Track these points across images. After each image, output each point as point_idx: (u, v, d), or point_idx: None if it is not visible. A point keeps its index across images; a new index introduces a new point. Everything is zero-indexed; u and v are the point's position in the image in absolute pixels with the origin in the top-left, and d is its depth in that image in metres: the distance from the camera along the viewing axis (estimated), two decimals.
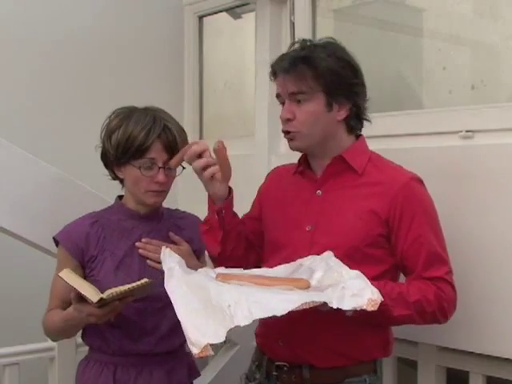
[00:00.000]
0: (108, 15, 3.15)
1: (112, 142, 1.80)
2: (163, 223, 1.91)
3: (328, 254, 1.57)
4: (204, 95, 3.42)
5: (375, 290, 1.41)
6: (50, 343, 2.20)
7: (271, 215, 1.83)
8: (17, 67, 2.88)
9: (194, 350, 1.28)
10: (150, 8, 3.28)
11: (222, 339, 1.29)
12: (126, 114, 1.82)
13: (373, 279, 1.63)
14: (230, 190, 1.74)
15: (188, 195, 3.28)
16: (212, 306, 1.35)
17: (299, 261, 1.61)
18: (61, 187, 2.12)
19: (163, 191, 1.84)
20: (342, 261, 1.59)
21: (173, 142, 1.79)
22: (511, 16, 2.16)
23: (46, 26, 2.95)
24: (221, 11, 3.30)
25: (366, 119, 1.78)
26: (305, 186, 1.77)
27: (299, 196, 1.77)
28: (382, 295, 1.51)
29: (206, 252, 1.92)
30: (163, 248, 1.61)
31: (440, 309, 1.63)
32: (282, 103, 1.72)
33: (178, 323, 1.74)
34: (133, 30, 3.21)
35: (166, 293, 1.73)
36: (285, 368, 1.70)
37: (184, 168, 1.82)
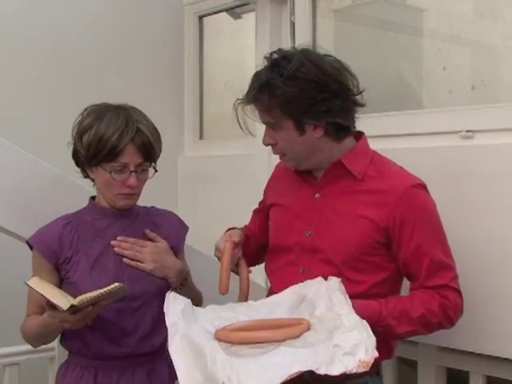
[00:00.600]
0: (108, 15, 3.15)
1: (83, 142, 1.74)
2: (138, 221, 1.86)
3: (334, 283, 1.53)
4: (204, 95, 3.42)
5: (370, 346, 1.36)
6: (50, 343, 2.20)
7: (274, 215, 1.83)
8: (17, 67, 2.88)
9: None
10: (150, 8, 3.28)
11: None
12: (98, 114, 1.75)
13: (374, 286, 1.64)
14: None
15: (188, 197, 3.29)
16: (211, 380, 1.33)
17: (304, 287, 1.58)
18: (61, 187, 2.11)
19: (134, 194, 1.79)
20: (342, 270, 1.61)
21: (146, 144, 1.74)
22: (511, 16, 2.16)
23: (46, 26, 2.95)
24: (221, 11, 3.31)
25: (351, 125, 1.68)
26: (304, 188, 1.75)
27: (299, 199, 1.76)
28: (385, 316, 1.54)
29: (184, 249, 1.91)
30: (167, 293, 1.57)
31: (446, 318, 1.62)
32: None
33: (157, 322, 1.71)
34: (133, 30, 3.21)
35: (141, 292, 1.74)
36: None
37: (156, 171, 1.80)
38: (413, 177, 1.69)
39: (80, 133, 1.76)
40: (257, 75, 1.67)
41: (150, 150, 1.76)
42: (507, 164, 1.92)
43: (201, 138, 3.42)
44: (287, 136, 1.65)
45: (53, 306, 1.57)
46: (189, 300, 1.57)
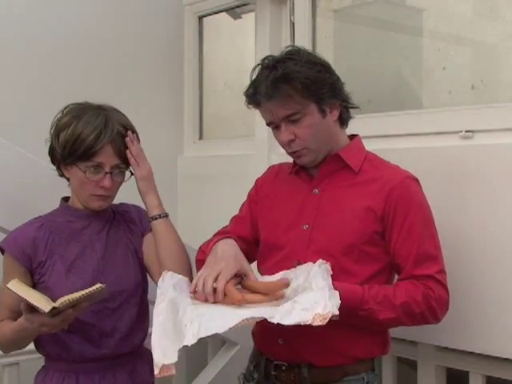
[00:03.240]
0: (108, 15, 3.15)
1: (60, 140, 1.73)
2: (113, 221, 1.85)
3: (317, 262, 1.57)
4: (204, 95, 3.42)
5: (330, 304, 1.40)
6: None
7: (266, 215, 1.83)
8: (17, 68, 2.88)
9: (155, 371, 1.35)
10: (150, 8, 3.28)
11: (174, 359, 1.35)
12: (77, 113, 1.74)
13: (368, 278, 1.65)
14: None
15: (188, 197, 3.29)
16: (177, 327, 1.42)
17: (295, 270, 1.61)
18: (60, 187, 2.11)
19: (109, 196, 1.77)
20: (338, 259, 1.62)
21: (126, 149, 1.74)
22: (511, 16, 2.16)
23: (46, 26, 2.95)
24: (221, 11, 3.30)
25: (354, 106, 1.79)
26: (300, 185, 1.78)
27: (294, 195, 1.77)
28: (367, 299, 1.55)
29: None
30: (164, 272, 1.63)
31: (429, 308, 1.62)
32: (276, 127, 1.71)
33: (136, 322, 1.74)
34: (133, 30, 3.21)
35: (119, 292, 1.74)
36: (283, 367, 1.70)
37: (132, 174, 1.79)
38: (407, 171, 1.74)
39: (57, 130, 1.75)
40: (259, 79, 1.67)
41: (125, 151, 1.75)
42: (507, 164, 1.92)
43: (201, 138, 3.42)
44: (311, 121, 1.67)
45: (31, 310, 1.54)
46: (186, 278, 1.62)
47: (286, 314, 1.40)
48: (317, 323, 1.38)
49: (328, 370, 1.67)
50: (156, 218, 1.79)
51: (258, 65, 1.71)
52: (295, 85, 1.63)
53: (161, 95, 3.30)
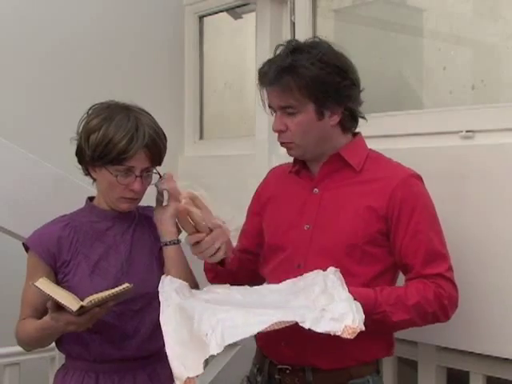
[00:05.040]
0: (108, 15, 3.15)
1: (90, 142, 1.71)
2: (137, 223, 1.84)
3: (330, 270, 1.54)
4: (204, 95, 3.42)
5: (358, 318, 1.38)
6: (46, 347, 2.19)
7: (268, 216, 1.83)
8: (17, 67, 2.88)
9: (177, 383, 1.30)
10: (150, 8, 3.28)
11: (200, 371, 1.31)
12: (107, 114, 1.73)
13: (372, 279, 1.64)
14: None
15: None
16: (196, 337, 1.36)
17: (302, 278, 1.58)
18: (61, 187, 2.11)
19: (137, 198, 1.77)
20: (340, 260, 1.60)
21: (155, 150, 1.73)
22: (511, 16, 2.16)
23: (46, 26, 2.95)
24: (221, 11, 3.31)
25: (362, 117, 1.75)
26: (301, 184, 1.76)
27: (295, 195, 1.76)
28: (380, 302, 1.53)
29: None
30: (163, 277, 1.61)
31: (441, 307, 1.61)
32: (273, 113, 1.71)
33: (157, 325, 1.68)
34: (133, 30, 3.21)
35: (141, 295, 1.71)
36: (287, 371, 1.68)
37: (161, 176, 1.78)
38: (409, 169, 1.72)
39: (87, 132, 1.73)
40: (275, 60, 1.67)
41: (157, 155, 1.75)
42: (508, 164, 1.92)
43: (201, 137, 3.42)
44: (304, 120, 1.65)
45: (58, 308, 1.55)
46: (186, 283, 1.58)
47: (315, 321, 1.37)
48: (346, 335, 1.36)
49: (333, 374, 1.64)
50: (166, 244, 1.77)
51: (281, 45, 1.70)
52: (297, 80, 1.61)
53: (161, 95, 3.30)
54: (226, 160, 3.08)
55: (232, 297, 1.58)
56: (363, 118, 1.75)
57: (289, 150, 1.73)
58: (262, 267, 1.82)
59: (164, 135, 1.80)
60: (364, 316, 1.41)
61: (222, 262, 1.76)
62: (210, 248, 1.63)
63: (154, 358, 1.79)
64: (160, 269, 1.80)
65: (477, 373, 2.07)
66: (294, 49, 1.66)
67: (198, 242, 1.63)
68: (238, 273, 1.81)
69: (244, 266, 1.84)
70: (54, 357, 2.27)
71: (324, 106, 1.64)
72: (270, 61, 1.69)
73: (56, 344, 1.82)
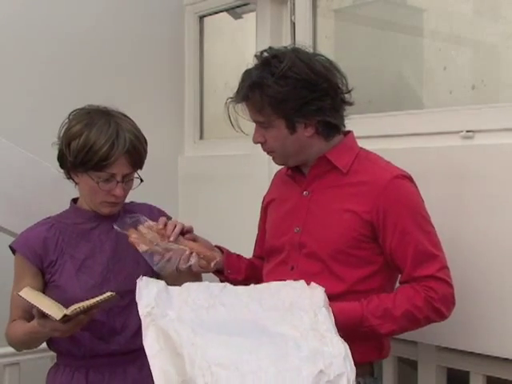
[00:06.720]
0: (108, 15, 3.15)
1: (71, 148, 1.73)
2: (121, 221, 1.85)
3: (319, 296, 1.49)
4: (204, 95, 3.42)
5: (351, 379, 1.34)
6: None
7: (268, 219, 1.85)
8: (17, 68, 2.88)
9: None
10: (150, 8, 3.28)
11: None
12: (88, 121, 1.74)
13: (361, 280, 1.63)
14: (220, 248, 1.83)
15: (188, 197, 3.29)
16: (183, 374, 1.31)
17: (284, 287, 1.55)
18: (61, 187, 2.11)
19: (119, 203, 1.80)
20: (327, 263, 1.61)
21: (135, 154, 1.74)
22: (511, 16, 2.16)
23: (46, 26, 2.95)
24: (221, 11, 3.30)
25: (341, 123, 1.70)
26: (294, 187, 1.77)
27: (289, 198, 1.77)
28: (366, 317, 1.54)
29: None
30: (138, 280, 1.49)
31: (433, 311, 1.61)
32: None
33: None
34: (133, 30, 3.21)
35: (128, 291, 1.67)
36: None
37: (142, 181, 1.80)
38: (397, 168, 1.69)
39: (68, 138, 1.75)
40: (247, 73, 1.68)
41: (138, 160, 1.77)
42: (507, 164, 1.92)
43: (201, 137, 3.41)
44: (278, 134, 1.66)
45: (44, 316, 1.57)
46: (163, 282, 1.52)
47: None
48: None
49: None
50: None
51: (256, 55, 1.69)
52: (264, 97, 1.61)
53: (161, 95, 3.30)
54: (226, 160, 3.08)
55: (217, 310, 1.49)
56: (342, 125, 1.71)
57: (273, 158, 1.76)
58: (263, 269, 1.83)
59: (145, 139, 1.81)
60: (354, 369, 1.36)
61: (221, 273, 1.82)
62: (165, 256, 1.69)
63: (142, 351, 1.79)
64: (147, 264, 1.80)
65: (477, 373, 2.07)
66: (263, 63, 1.65)
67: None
68: (251, 280, 1.80)
69: (259, 273, 1.85)
70: (53, 357, 2.27)
71: (294, 120, 1.63)
72: (245, 73, 1.69)
73: (46, 342, 1.84)
